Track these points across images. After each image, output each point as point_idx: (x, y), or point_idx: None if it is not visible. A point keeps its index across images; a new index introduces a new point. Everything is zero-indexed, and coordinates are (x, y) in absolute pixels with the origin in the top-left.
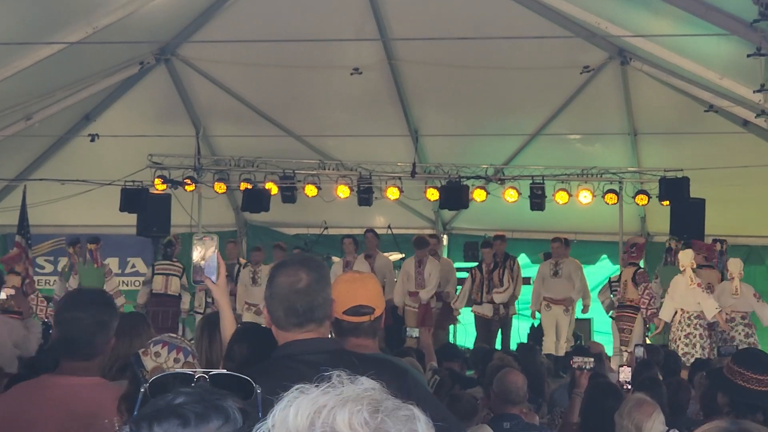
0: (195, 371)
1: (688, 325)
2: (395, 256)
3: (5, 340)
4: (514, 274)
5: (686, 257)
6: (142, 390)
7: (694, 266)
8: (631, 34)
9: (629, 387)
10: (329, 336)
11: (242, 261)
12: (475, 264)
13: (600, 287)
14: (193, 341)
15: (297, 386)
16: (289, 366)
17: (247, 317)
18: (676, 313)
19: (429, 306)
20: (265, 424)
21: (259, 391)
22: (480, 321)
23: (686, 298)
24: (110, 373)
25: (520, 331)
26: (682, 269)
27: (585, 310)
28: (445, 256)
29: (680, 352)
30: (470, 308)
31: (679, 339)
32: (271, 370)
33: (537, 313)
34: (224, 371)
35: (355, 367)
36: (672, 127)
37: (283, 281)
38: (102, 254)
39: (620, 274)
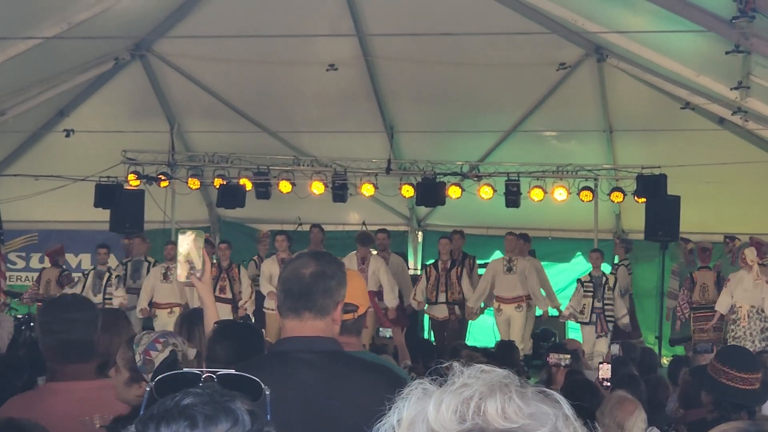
0: (203, 370)
1: (760, 320)
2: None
3: None
4: (473, 277)
5: (752, 253)
6: (148, 389)
7: (759, 262)
8: (607, 30)
9: (608, 384)
10: (331, 336)
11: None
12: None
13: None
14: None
15: (418, 381)
16: (282, 362)
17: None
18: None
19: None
20: (388, 421)
21: (267, 392)
22: (435, 323)
23: (751, 294)
24: None
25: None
26: (746, 265)
27: (545, 315)
28: (419, 252)
29: (755, 348)
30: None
31: (753, 334)
32: (261, 364)
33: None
34: (232, 371)
35: (351, 371)
36: (648, 124)
37: (291, 267)
38: None
39: (691, 278)
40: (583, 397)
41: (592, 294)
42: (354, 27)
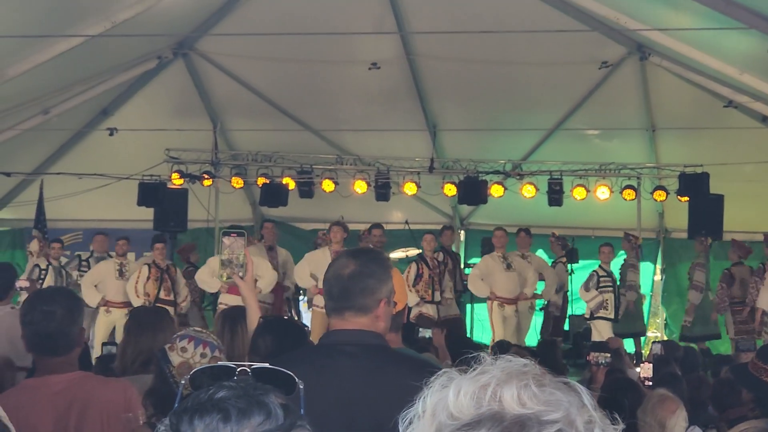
0: (237, 364)
1: None
2: (412, 252)
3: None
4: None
5: None
6: (183, 382)
7: None
8: (649, 27)
9: (650, 383)
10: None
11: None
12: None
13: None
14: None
15: (444, 370)
16: (323, 354)
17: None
18: None
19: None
20: (414, 410)
21: (301, 386)
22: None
23: None
24: (133, 366)
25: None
26: None
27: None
28: (461, 251)
29: None
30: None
31: None
32: (303, 356)
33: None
34: (266, 365)
35: (390, 364)
36: (690, 122)
37: (332, 268)
38: None
39: (730, 272)
40: (624, 395)
41: (611, 289)
42: (396, 25)
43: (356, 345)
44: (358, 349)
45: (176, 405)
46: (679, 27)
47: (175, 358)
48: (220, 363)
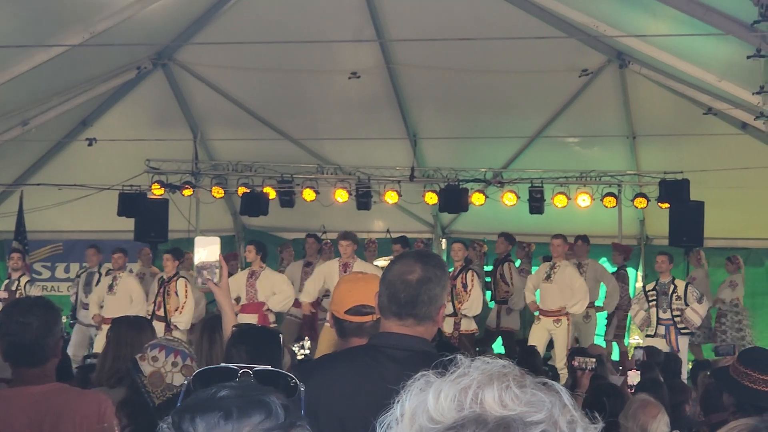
0: (240, 366)
1: None
2: None
3: None
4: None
5: None
6: (186, 383)
7: None
8: (627, 34)
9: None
10: (424, 337)
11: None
12: None
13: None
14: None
15: (421, 373)
16: (368, 355)
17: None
18: None
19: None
20: (392, 414)
21: (302, 389)
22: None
23: None
24: (110, 380)
25: None
26: None
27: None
28: (443, 259)
29: None
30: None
31: None
32: (348, 355)
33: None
34: (269, 367)
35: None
36: (670, 129)
37: (397, 269)
38: None
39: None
40: (608, 400)
41: (656, 303)
42: (376, 34)
43: (405, 350)
44: (406, 354)
45: (178, 404)
46: (658, 33)
47: (147, 368)
48: (222, 365)
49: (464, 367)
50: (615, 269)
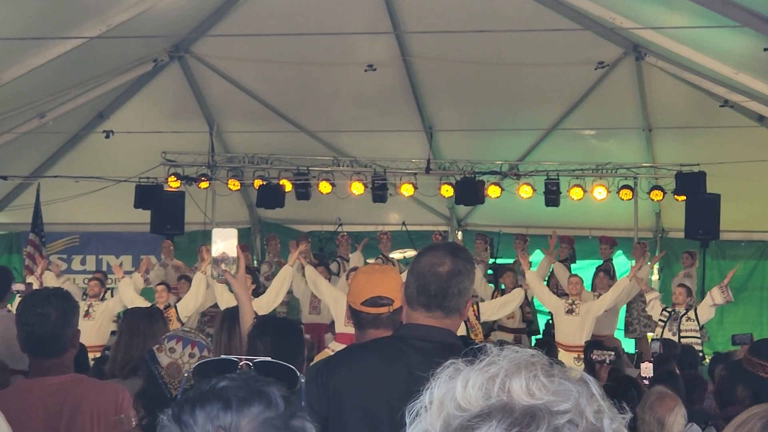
0: (240, 358)
1: None
2: (410, 253)
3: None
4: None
5: None
6: (186, 375)
7: None
8: (643, 26)
9: (647, 382)
10: (450, 330)
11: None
12: None
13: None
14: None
15: (451, 361)
16: (395, 346)
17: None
18: None
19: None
20: (420, 402)
21: (303, 380)
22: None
23: None
24: (123, 371)
25: None
26: None
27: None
28: None
29: None
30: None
31: None
32: (376, 345)
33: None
34: (268, 359)
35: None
36: (687, 122)
37: (427, 260)
38: None
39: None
40: (627, 393)
41: (664, 325)
42: (392, 26)
43: (432, 342)
44: (433, 346)
45: (179, 396)
46: (674, 26)
47: (164, 359)
48: (223, 357)
49: (493, 356)
50: (602, 262)
